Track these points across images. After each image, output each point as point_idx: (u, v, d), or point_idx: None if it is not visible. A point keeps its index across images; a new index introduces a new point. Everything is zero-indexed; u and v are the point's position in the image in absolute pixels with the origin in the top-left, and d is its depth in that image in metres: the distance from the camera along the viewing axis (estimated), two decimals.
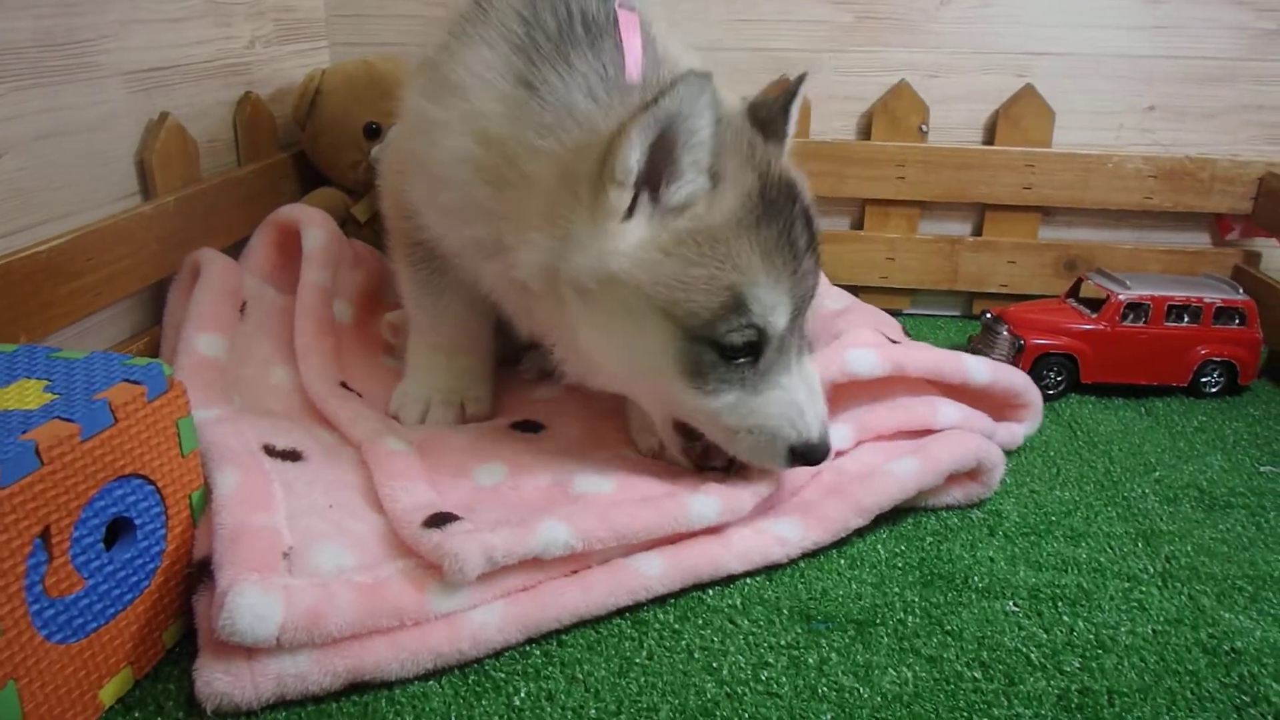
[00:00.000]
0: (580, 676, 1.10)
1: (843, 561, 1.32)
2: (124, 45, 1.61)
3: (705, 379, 1.21)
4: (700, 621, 1.20)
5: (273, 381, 1.55)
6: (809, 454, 1.24)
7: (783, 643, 1.16)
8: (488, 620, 1.11)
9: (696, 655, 1.14)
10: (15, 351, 1.09)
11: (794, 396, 1.24)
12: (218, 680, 1.00)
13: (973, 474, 1.45)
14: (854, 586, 1.27)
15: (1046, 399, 1.69)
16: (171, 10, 1.74)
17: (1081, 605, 1.25)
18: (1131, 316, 1.84)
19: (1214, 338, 1.85)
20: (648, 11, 1.36)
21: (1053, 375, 1.84)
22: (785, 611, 1.22)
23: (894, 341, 1.59)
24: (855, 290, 2.16)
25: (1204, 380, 1.87)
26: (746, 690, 1.08)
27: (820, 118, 2.25)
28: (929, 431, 1.49)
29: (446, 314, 1.55)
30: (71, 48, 1.49)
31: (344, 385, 1.56)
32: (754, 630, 1.18)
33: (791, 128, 1.32)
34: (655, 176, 1.15)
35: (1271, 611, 1.25)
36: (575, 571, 1.20)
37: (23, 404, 0.97)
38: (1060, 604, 1.25)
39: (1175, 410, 1.82)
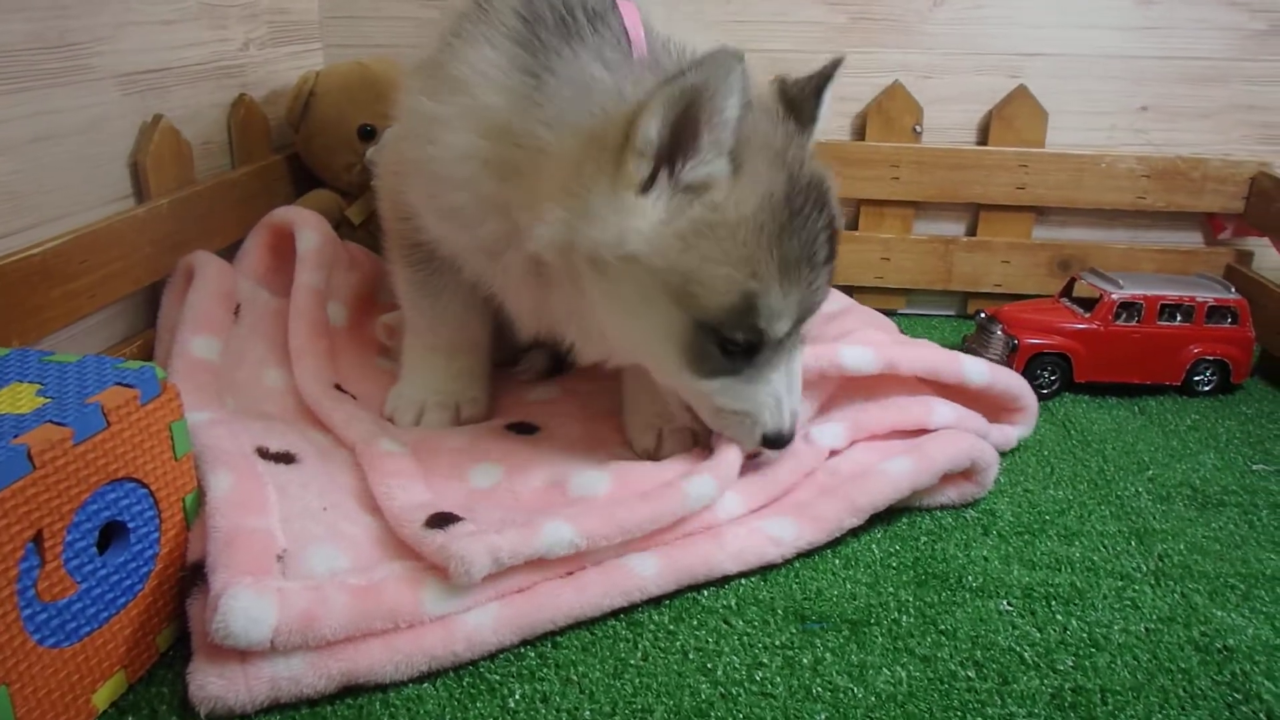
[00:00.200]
0: (575, 678, 1.10)
1: (837, 561, 1.32)
2: (117, 48, 1.61)
3: (703, 365, 1.23)
4: (695, 622, 1.20)
5: (267, 384, 1.55)
6: (776, 441, 1.29)
7: (777, 643, 1.16)
8: (482, 622, 1.11)
9: (691, 656, 1.14)
10: (7, 355, 1.09)
11: (776, 390, 1.27)
12: (212, 683, 1.00)
13: (967, 474, 1.45)
14: (848, 586, 1.27)
15: (1040, 398, 1.70)
16: (165, 13, 1.74)
17: (1075, 604, 1.25)
18: (1124, 316, 1.84)
19: (1207, 337, 1.85)
20: (648, 6, 1.36)
21: (1046, 374, 1.84)
22: (780, 612, 1.22)
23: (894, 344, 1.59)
24: (850, 290, 2.16)
25: (1197, 379, 1.87)
26: (741, 691, 1.08)
27: None
28: (923, 431, 1.49)
29: (444, 315, 1.55)
30: (65, 50, 1.49)
31: (338, 387, 1.55)
32: (749, 631, 1.18)
33: (823, 113, 1.31)
34: (675, 151, 1.14)
35: (1264, 609, 1.25)
36: (570, 573, 1.19)
37: (15, 408, 0.97)
38: (1054, 603, 1.25)
39: (1168, 409, 1.83)
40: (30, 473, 0.90)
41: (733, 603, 1.23)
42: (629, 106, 1.14)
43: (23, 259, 1.38)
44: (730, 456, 1.34)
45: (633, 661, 1.13)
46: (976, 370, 1.54)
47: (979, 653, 1.15)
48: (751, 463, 1.38)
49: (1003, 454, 1.56)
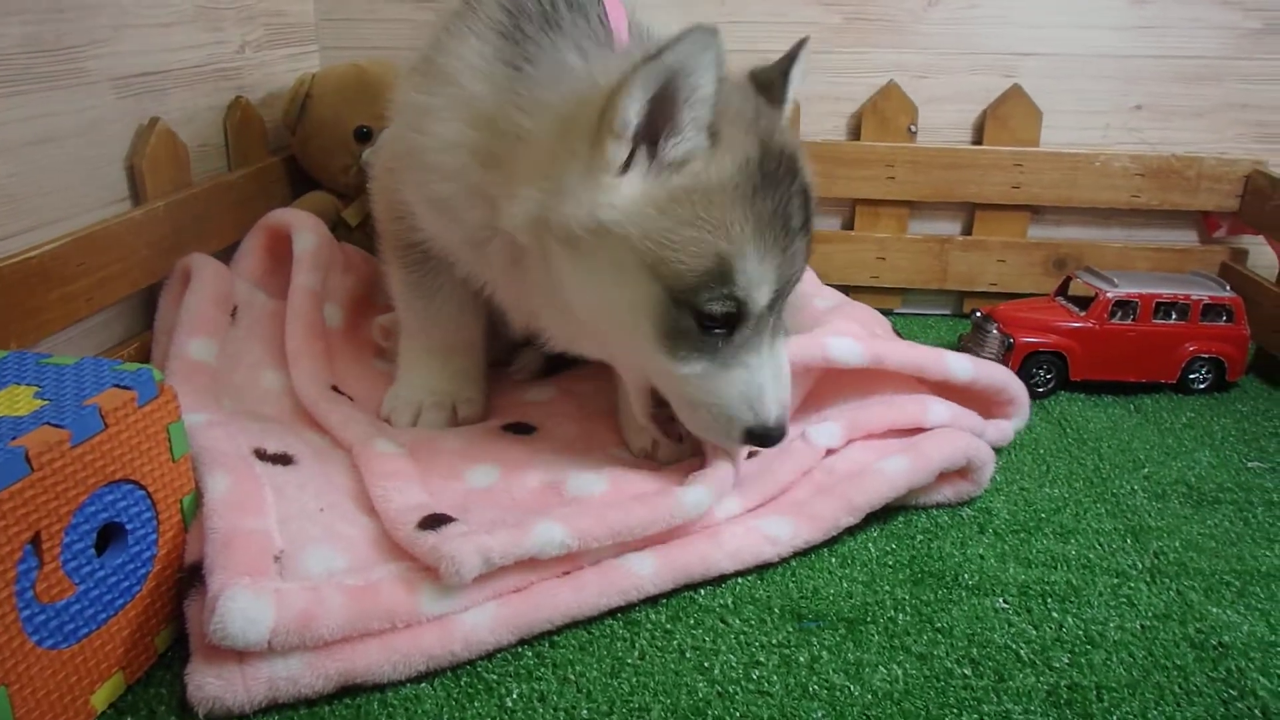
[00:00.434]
0: (572, 677, 1.10)
1: (834, 560, 1.32)
2: (114, 50, 1.61)
3: (678, 344, 1.21)
4: (692, 621, 1.20)
5: (263, 385, 1.55)
6: (763, 437, 1.24)
7: (774, 641, 1.17)
8: (480, 622, 1.11)
9: (688, 655, 1.14)
10: (5, 357, 1.10)
11: (757, 378, 1.23)
12: (210, 684, 1.00)
13: (963, 472, 1.45)
14: (845, 585, 1.27)
15: (1036, 397, 1.70)
16: (161, 15, 1.74)
17: (1071, 601, 1.25)
18: (1120, 314, 1.85)
19: (1202, 335, 1.86)
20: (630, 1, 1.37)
21: (1042, 373, 1.85)
22: (776, 610, 1.22)
23: (876, 335, 1.60)
24: (846, 290, 2.17)
25: (1192, 377, 1.88)
26: (738, 689, 1.09)
27: (810, 118, 2.26)
28: (919, 430, 1.49)
29: (439, 316, 1.55)
30: (61, 53, 1.49)
31: (335, 389, 1.56)
32: (745, 629, 1.19)
33: (791, 92, 1.31)
34: (655, 131, 1.14)
35: (1259, 606, 1.25)
36: (567, 572, 1.20)
37: (13, 410, 0.97)
38: (1049, 600, 1.25)
39: (1164, 407, 1.83)
40: (28, 475, 0.90)
41: (730, 602, 1.24)
42: (601, 91, 1.15)
43: (20, 261, 1.38)
44: (725, 466, 1.33)
45: (630, 660, 1.13)
46: (961, 366, 1.54)
47: (975, 650, 1.16)
48: (748, 461, 1.38)
49: (998, 452, 1.57)
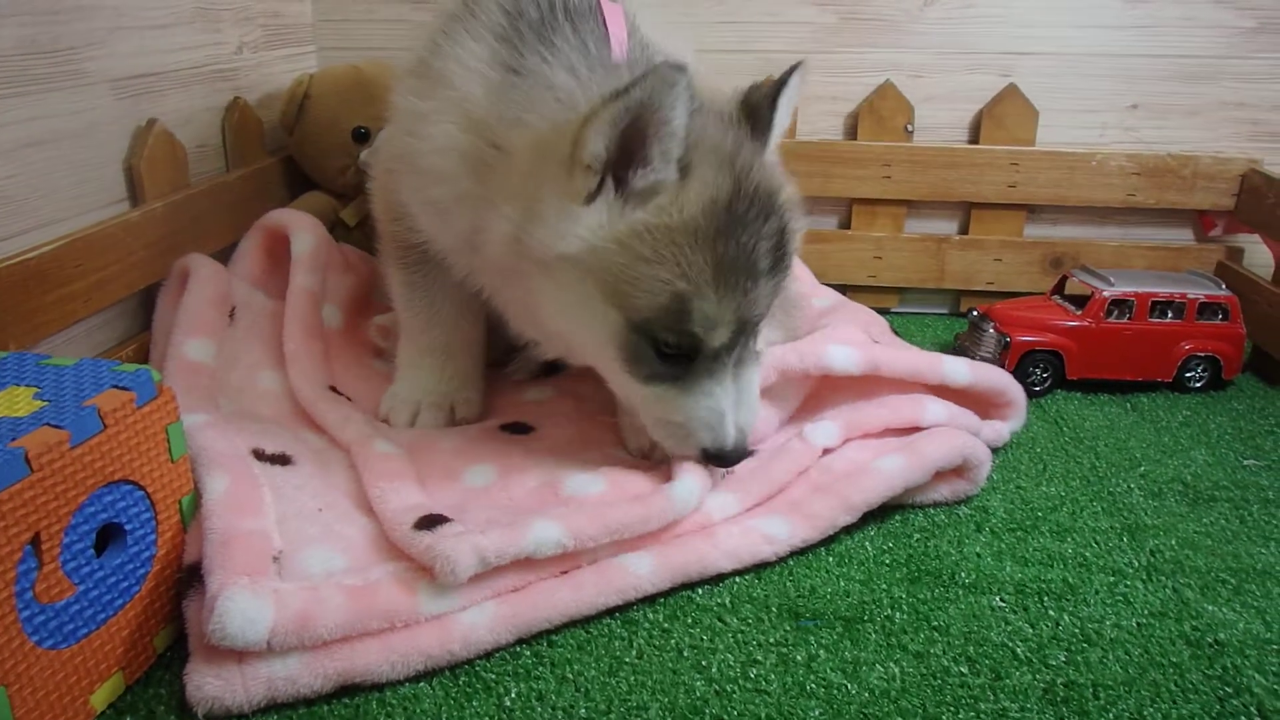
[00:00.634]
0: (570, 676, 1.11)
1: (831, 559, 1.33)
2: (111, 52, 1.62)
3: (640, 367, 1.24)
4: (689, 620, 1.20)
5: (261, 386, 1.56)
6: (720, 459, 1.29)
7: (771, 640, 1.17)
8: (478, 621, 1.12)
9: (686, 654, 1.14)
10: (4, 359, 1.10)
11: (718, 404, 1.26)
12: (209, 684, 1.00)
13: (959, 471, 1.46)
14: (842, 584, 1.28)
15: (1032, 396, 1.71)
16: (159, 16, 1.74)
17: (1067, 599, 1.26)
18: (1116, 313, 1.85)
19: (1198, 333, 1.86)
20: (632, 5, 1.37)
21: (1038, 372, 1.85)
22: (774, 609, 1.22)
23: (875, 341, 1.60)
24: (843, 289, 2.18)
25: (1188, 375, 1.88)
26: (735, 688, 1.09)
27: (807, 118, 2.26)
28: (916, 429, 1.50)
29: (438, 317, 1.56)
30: (58, 55, 1.49)
31: (333, 389, 1.56)
32: (743, 628, 1.19)
33: (779, 121, 1.30)
34: (627, 162, 1.15)
35: (1255, 604, 1.26)
36: (565, 572, 1.20)
37: (12, 411, 0.97)
38: (1046, 599, 1.26)
39: (1160, 405, 1.84)
40: (28, 475, 0.91)
41: (727, 601, 1.24)
42: (578, 118, 1.15)
43: (18, 263, 1.38)
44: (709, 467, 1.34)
45: (628, 659, 1.13)
46: (957, 370, 1.55)
47: (972, 649, 1.16)
48: (746, 461, 1.38)
49: (995, 451, 1.57)
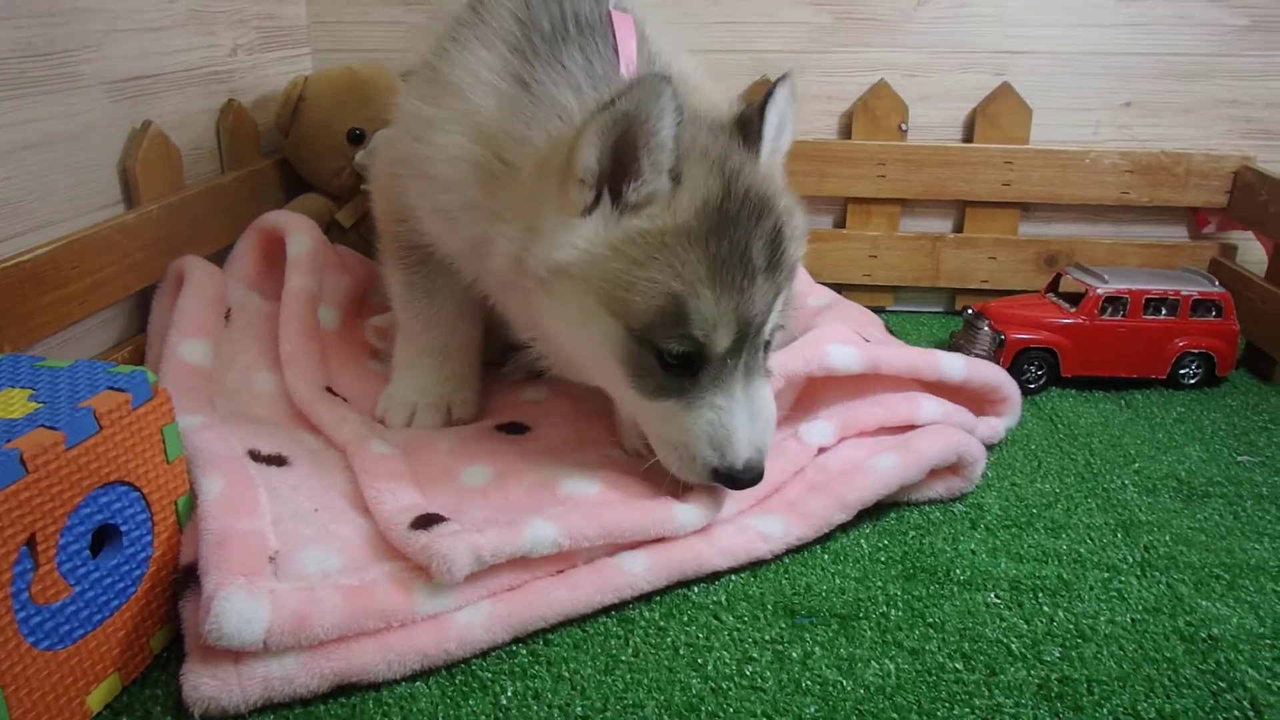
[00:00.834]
0: (567, 675, 1.11)
1: (826, 556, 1.33)
2: (106, 54, 1.62)
3: (644, 381, 1.22)
4: (685, 618, 1.21)
5: (257, 387, 1.56)
6: (730, 479, 1.23)
7: (767, 638, 1.17)
8: (474, 620, 1.12)
9: (682, 651, 1.15)
10: (0, 360, 1.10)
11: (726, 419, 1.22)
12: (205, 684, 1.01)
13: (954, 468, 1.46)
14: (837, 581, 1.28)
15: (1027, 393, 1.71)
16: (153, 19, 1.75)
17: (1062, 596, 1.26)
18: (1110, 310, 1.85)
19: (1192, 330, 1.87)
20: (641, 14, 1.37)
21: (1033, 369, 1.85)
22: (769, 607, 1.23)
23: (866, 341, 1.60)
24: (838, 288, 2.18)
25: (1182, 372, 1.89)
26: (731, 685, 1.09)
27: (802, 118, 2.26)
28: (911, 427, 1.50)
29: (437, 317, 1.56)
30: (54, 57, 1.50)
31: (329, 390, 1.56)
32: (738, 626, 1.19)
33: (768, 131, 1.28)
34: (620, 174, 1.16)
35: (1248, 599, 1.26)
36: (561, 571, 1.20)
37: (7, 413, 0.97)
38: (1041, 595, 1.26)
39: (1154, 402, 1.84)
40: (23, 477, 0.91)
41: (723, 599, 1.24)
42: (572, 133, 1.16)
43: (13, 265, 1.38)
44: (722, 493, 1.33)
45: (624, 658, 1.14)
46: (953, 366, 1.56)
47: (967, 645, 1.17)
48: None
49: (990, 448, 1.58)
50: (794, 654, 1.15)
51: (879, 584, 1.28)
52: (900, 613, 1.22)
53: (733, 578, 1.28)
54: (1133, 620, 1.22)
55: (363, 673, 1.06)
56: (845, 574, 1.29)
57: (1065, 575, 1.30)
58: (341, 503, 1.28)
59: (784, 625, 1.20)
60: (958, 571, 1.30)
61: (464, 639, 1.10)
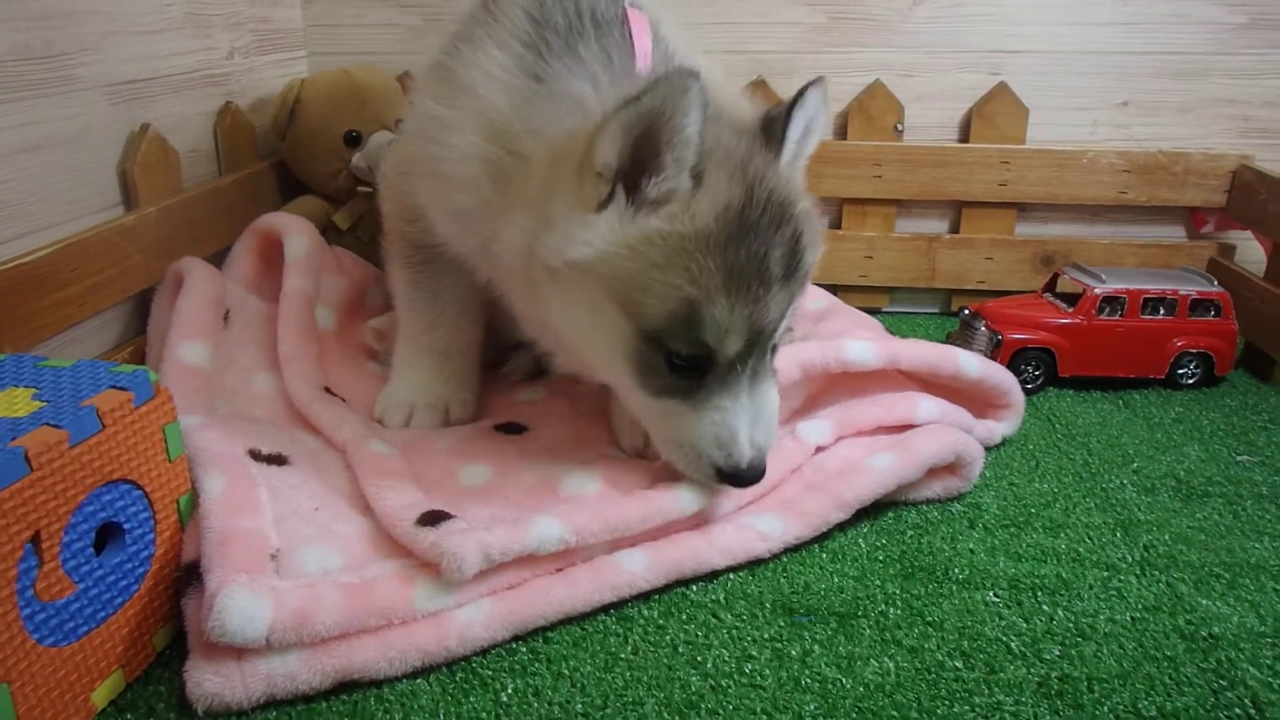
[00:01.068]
0: (566, 672, 1.11)
1: (824, 555, 1.33)
2: (104, 57, 1.62)
3: (651, 380, 1.21)
4: (684, 616, 1.21)
5: (256, 388, 1.56)
6: (735, 479, 1.24)
7: (766, 636, 1.18)
8: (474, 618, 1.12)
9: (681, 649, 1.15)
10: (3, 360, 1.10)
11: (731, 420, 1.21)
12: (208, 681, 1.01)
13: (952, 468, 1.46)
14: (836, 580, 1.28)
15: (1025, 393, 1.71)
16: (150, 22, 1.75)
17: (1061, 594, 1.26)
18: (1108, 310, 1.86)
19: (1190, 330, 1.87)
20: (656, 13, 1.37)
21: (1031, 369, 1.86)
22: (768, 605, 1.23)
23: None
24: (834, 289, 2.18)
25: (1181, 372, 1.89)
26: (730, 683, 1.10)
27: None
28: (909, 426, 1.51)
29: (441, 318, 1.56)
30: (51, 60, 1.50)
31: (328, 390, 1.56)
32: (737, 624, 1.20)
33: (793, 134, 1.26)
34: (639, 170, 1.14)
35: (1248, 598, 1.27)
36: (561, 569, 1.21)
37: (11, 411, 0.98)
38: (1040, 594, 1.26)
39: (1152, 402, 1.85)
40: (27, 474, 0.91)
41: (721, 597, 1.25)
42: (592, 126, 1.15)
43: (13, 267, 1.39)
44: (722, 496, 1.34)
45: (623, 655, 1.14)
46: (971, 363, 1.56)
47: (966, 643, 1.17)
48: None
49: (988, 448, 1.58)
50: (793, 652, 1.15)
51: (877, 583, 1.28)
52: (899, 611, 1.22)
53: (731, 576, 1.29)
54: (1132, 619, 1.22)
55: (364, 670, 1.06)
56: (844, 573, 1.30)
57: (1064, 574, 1.30)
58: (341, 502, 1.28)
59: (783, 623, 1.20)
60: (956, 570, 1.30)
61: (464, 636, 1.11)
